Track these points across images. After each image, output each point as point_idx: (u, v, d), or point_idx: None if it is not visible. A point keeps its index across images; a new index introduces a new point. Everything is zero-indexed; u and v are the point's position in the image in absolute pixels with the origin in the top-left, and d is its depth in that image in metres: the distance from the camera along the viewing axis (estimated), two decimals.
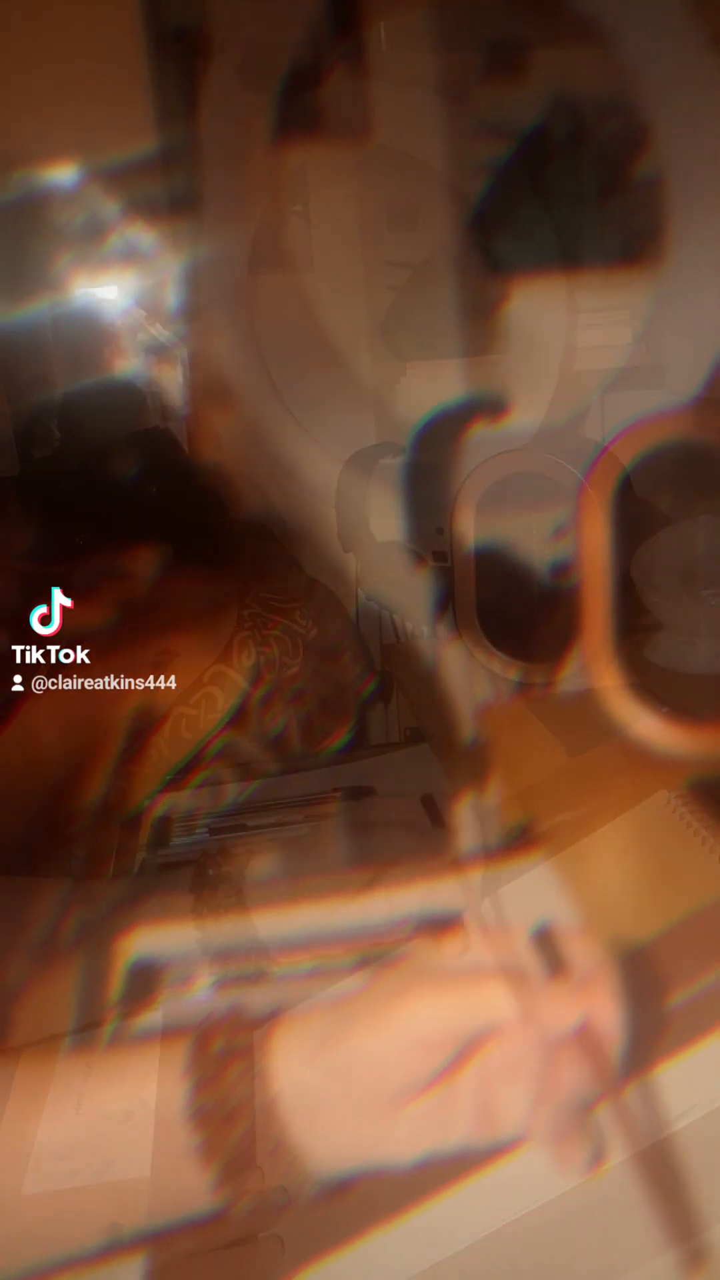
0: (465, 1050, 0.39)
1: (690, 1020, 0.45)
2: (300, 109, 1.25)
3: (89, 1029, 0.52)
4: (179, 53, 1.59)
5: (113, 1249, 0.44)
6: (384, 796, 0.80)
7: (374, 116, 1.23)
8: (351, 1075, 0.39)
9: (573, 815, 0.63)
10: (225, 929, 0.46)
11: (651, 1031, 0.44)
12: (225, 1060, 0.40)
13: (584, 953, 0.41)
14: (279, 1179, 0.39)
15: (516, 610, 1.03)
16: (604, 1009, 0.38)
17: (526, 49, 1.15)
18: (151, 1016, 0.54)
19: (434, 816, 0.54)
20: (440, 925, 0.49)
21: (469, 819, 0.60)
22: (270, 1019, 0.41)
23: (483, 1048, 0.39)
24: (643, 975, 0.49)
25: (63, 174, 1.58)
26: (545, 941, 0.41)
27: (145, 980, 0.60)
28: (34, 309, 1.66)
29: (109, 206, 1.62)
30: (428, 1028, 0.38)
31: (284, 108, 1.29)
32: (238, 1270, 0.42)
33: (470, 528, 0.99)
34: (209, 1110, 0.40)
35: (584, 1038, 0.38)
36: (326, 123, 1.23)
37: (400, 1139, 0.39)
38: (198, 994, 0.58)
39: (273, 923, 0.57)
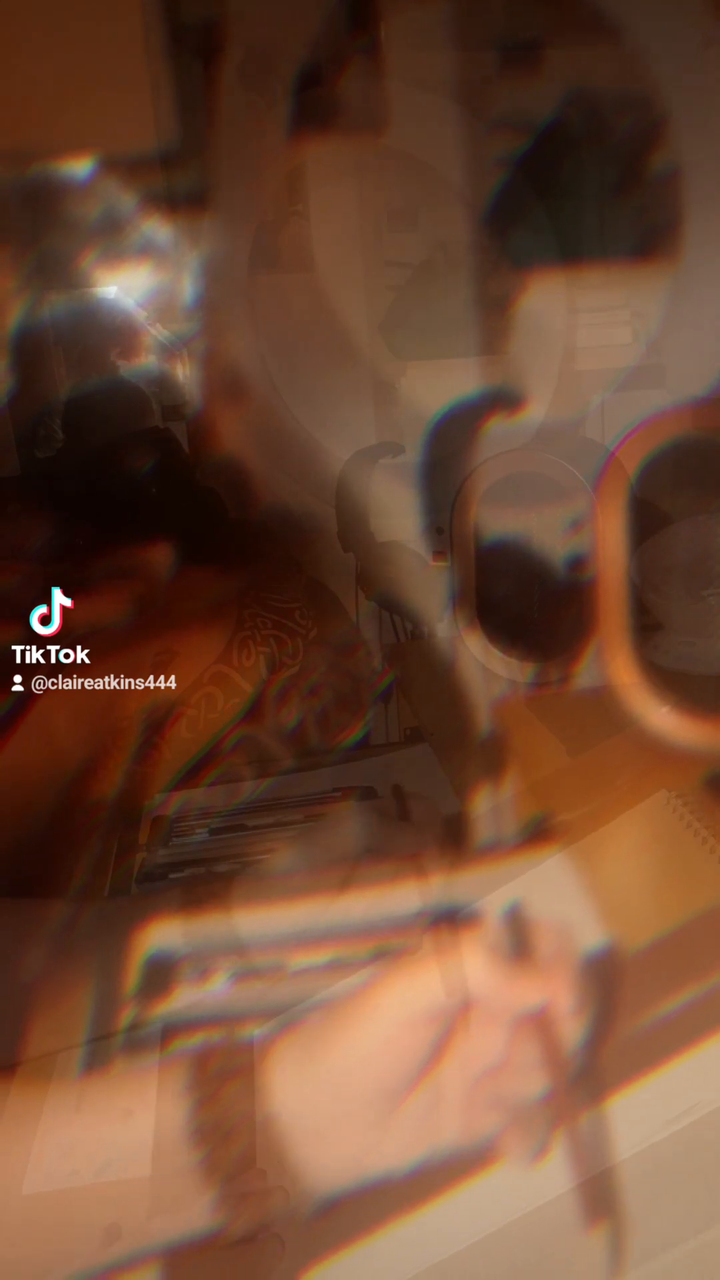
0: (440, 1043, 0.40)
1: (692, 1020, 0.45)
2: (311, 106, 1.24)
3: (102, 1037, 0.52)
4: (188, 49, 1.59)
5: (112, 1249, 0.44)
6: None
7: (387, 115, 1.20)
8: (342, 1085, 0.40)
9: (574, 815, 0.63)
10: (237, 924, 0.47)
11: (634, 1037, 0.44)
12: (222, 1079, 0.41)
13: (548, 938, 0.42)
14: (278, 1195, 0.40)
15: (518, 609, 1.03)
16: (562, 996, 0.39)
17: (541, 46, 1.13)
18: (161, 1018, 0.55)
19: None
20: (449, 919, 0.51)
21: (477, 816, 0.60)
22: (265, 1036, 0.42)
23: (454, 1038, 0.40)
24: (643, 975, 0.49)
25: (69, 170, 1.58)
26: (514, 924, 0.42)
27: (162, 975, 0.61)
28: (37, 307, 1.66)
29: (114, 205, 1.62)
30: (401, 1025, 0.39)
31: (294, 105, 1.26)
32: (238, 1270, 0.42)
33: (471, 527, 0.99)
34: (208, 1129, 0.40)
35: (541, 1025, 0.39)
36: (338, 120, 1.21)
37: (393, 1147, 0.40)
38: (214, 987, 0.59)
39: (263, 920, 0.58)
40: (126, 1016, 0.58)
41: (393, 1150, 0.40)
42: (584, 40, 1.10)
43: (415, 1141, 0.40)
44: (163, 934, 0.64)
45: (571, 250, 1.15)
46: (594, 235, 1.17)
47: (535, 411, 1.48)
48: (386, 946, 0.59)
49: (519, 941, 0.41)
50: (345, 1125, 0.40)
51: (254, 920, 0.46)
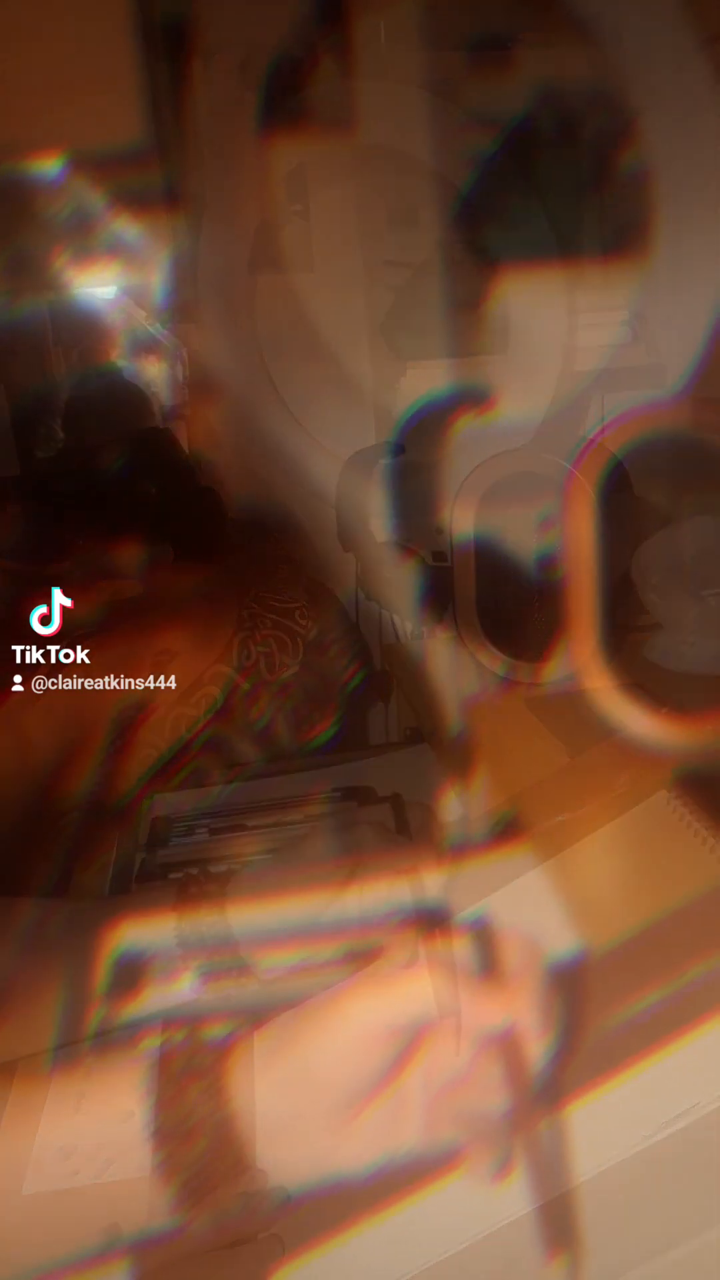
0: (404, 1051, 0.40)
1: (690, 1019, 0.45)
2: (290, 105, 1.23)
3: (74, 1030, 0.52)
4: (172, 48, 1.58)
5: (111, 1249, 0.43)
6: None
7: (363, 112, 1.19)
8: (305, 1088, 0.40)
9: (573, 815, 0.63)
10: (208, 923, 0.46)
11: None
12: (183, 1080, 0.41)
13: (515, 953, 0.41)
14: (238, 1193, 0.40)
15: (516, 609, 1.03)
16: (526, 1014, 0.39)
17: (514, 45, 1.12)
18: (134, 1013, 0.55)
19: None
20: (422, 921, 0.50)
21: (459, 815, 0.60)
22: (230, 1037, 0.42)
23: (420, 1048, 0.40)
24: (643, 975, 0.49)
25: (58, 169, 1.58)
26: (481, 938, 0.41)
27: (130, 974, 0.60)
28: (34, 308, 1.66)
29: (108, 205, 1.62)
30: (368, 1031, 0.39)
31: (275, 103, 1.24)
32: (237, 1270, 0.42)
33: (469, 527, 0.99)
34: (167, 1130, 0.40)
35: (505, 1045, 0.38)
36: (316, 118, 1.20)
37: (352, 1151, 0.40)
38: (183, 987, 0.59)
39: (254, 918, 0.57)
40: (95, 1016, 0.57)
41: (351, 1154, 0.40)
42: (556, 39, 1.08)
43: (374, 1147, 0.40)
44: (133, 933, 0.62)
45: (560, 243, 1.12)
46: (570, 232, 1.12)
47: (532, 410, 1.47)
48: (355, 947, 0.58)
49: (485, 957, 0.41)
50: (306, 1127, 0.40)
51: (223, 920, 0.45)
